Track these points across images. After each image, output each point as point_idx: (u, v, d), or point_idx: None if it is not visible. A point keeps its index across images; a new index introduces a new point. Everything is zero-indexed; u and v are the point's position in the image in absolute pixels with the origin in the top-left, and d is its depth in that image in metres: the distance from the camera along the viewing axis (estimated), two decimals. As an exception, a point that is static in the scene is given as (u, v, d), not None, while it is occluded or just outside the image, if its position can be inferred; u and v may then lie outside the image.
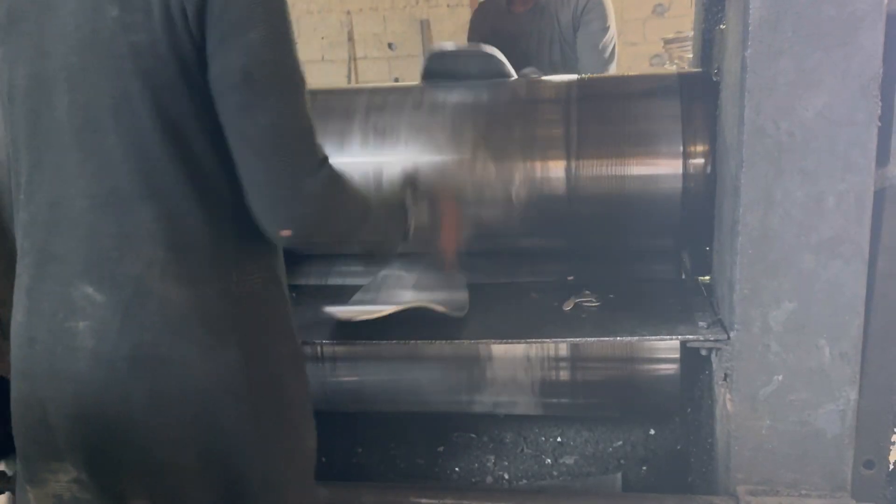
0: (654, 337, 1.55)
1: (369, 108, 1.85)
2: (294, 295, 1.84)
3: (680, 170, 1.70)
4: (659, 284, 1.84)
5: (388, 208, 1.33)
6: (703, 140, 1.68)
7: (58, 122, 1.04)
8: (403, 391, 1.89)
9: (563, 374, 1.87)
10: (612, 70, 2.88)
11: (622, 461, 2.03)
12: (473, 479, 2.05)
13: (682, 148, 1.69)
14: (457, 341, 1.61)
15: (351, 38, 6.60)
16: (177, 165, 1.02)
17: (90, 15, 1.00)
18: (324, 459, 2.10)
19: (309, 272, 1.97)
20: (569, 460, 2.06)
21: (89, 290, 1.03)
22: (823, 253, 1.35)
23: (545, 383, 1.87)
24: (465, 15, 6.36)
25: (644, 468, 2.01)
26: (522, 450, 2.09)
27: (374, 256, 1.55)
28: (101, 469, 1.07)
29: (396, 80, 6.44)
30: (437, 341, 1.62)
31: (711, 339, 1.48)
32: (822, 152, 1.32)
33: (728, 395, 1.47)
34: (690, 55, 2.95)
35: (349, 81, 6.59)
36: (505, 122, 1.81)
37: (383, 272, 1.82)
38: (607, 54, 2.84)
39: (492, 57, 1.93)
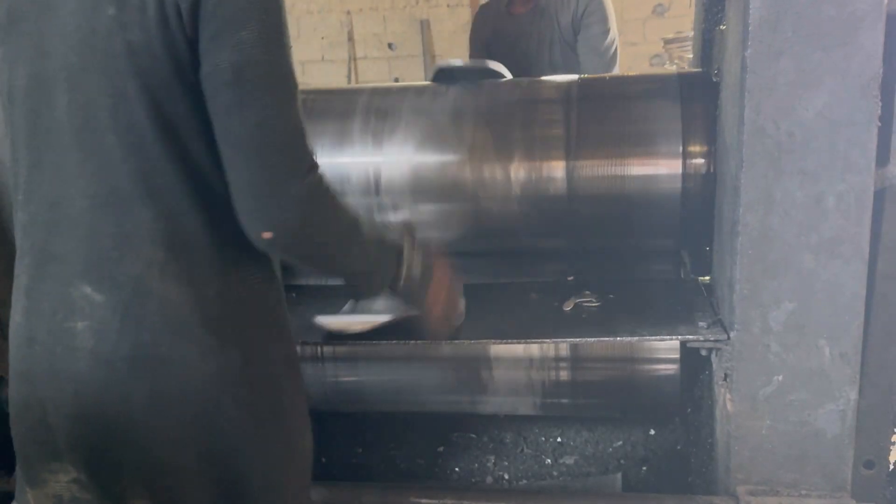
0: (654, 337, 1.56)
1: (369, 109, 1.85)
2: (294, 295, 1.85)
3: (680, 170, 1.70)
4: (659, 284, 1.84)
5: (380, 244, 1.26)
6: (702, 140, 1.68)
7: (57, 121, 1.04)
8: (403, 391, 1.89)
9: (564, 375, 1.87)
10: (615, 72, 2.87)
11: (622, 461, 2.03)
12: (473, 480, 2.05)
13: (681, 148, 1.69)
14: (457, 341, 1.61)
15: (351, 38, 6.60)
16: (174, 165, 1.02)
17: (89, 14, 1.00)
18: (324, 459, 2.10)
19: (309, 272, 1.97)
20: (569, 460, 2.06)
21: (88, 290, 1.03)
22: (823, 253, 1.35)
23: (545, 383, 1.87)
24: (465, 15, 6.37)
25: (644, 468, 2.01)
26: (522, 450, 2.09)
27: (359, 294, 1.42)
28: (101, 469, 1.06)
29: (396, 80, 6.44)
30: (437, 341, 1.62)
31: (711, 339, 1.48)
32: (822, 152, 1.32)
33: (728, 396, 1.47)
34: (690, 55, 2.95)
35: (349, 81, 6.59)
36: (505, 122, 1.81)
37: None
38: (608, 57, 2.84)
39: (495, 73, 1.92)
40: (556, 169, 1.75)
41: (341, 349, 1.83)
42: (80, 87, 1.02)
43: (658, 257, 1.94)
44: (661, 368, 1.83)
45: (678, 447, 2.00)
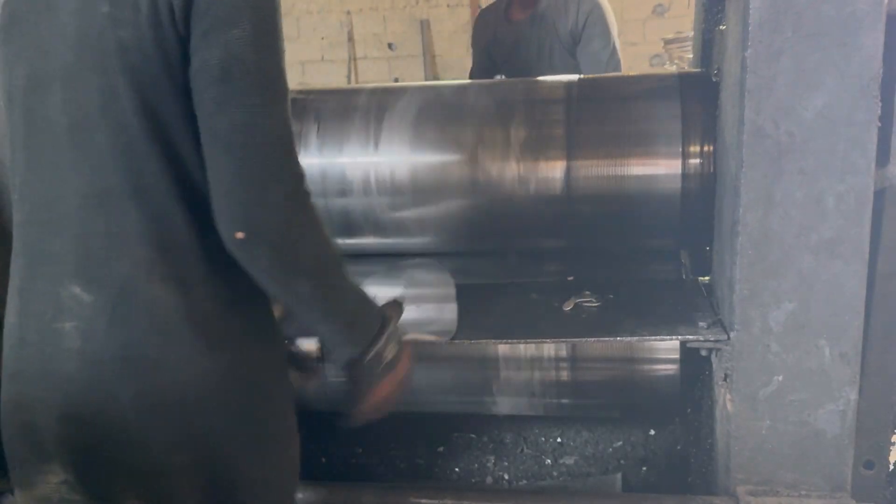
0: (654, 337, 1.56)
1: (368, 108, 1.85)
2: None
3: (680, 170, 1.70)
4: (659, 284, 1.84)
5: (363, 300, 1.18)
6: (702, 140, 1.68)
7: (52, 120, 1.04)
8: (403, 391, 1.89)
9: (564, 375, 1.87)
10: None
11: (622, 461, 2.03)
12: (473, 480, 2.05)
13: (681, 148, 1.69)
14: (457, 341, 1.61)
15: (351, 38, 6.60)
16: (163, 165, 1.01)
17: (85, 12, 1.00)
18: (324, 459, 2.10)
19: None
20: (569, 461, 2.06)
21: (77, 290, 1.03)
22: (823, 253, 1.35)
23: (545, 383, 1.87)
24: (465, 15, 6.37)
25: (644, 468, 2.02)
26: (522, 450, 2.09)
27: (327, 353, 1.26)
28: (89, 471, 1.06)
29: (396, 80, 6.45)
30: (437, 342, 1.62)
31: (711, 339, 1.48)
32: (822, 152, 1.32)
33: (728, 396, 1.47)
34: (690, 55, 2.95)
35: (349, 81, 6.59)
36: (505, 122, 1.80)
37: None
38: (610, 70, 2.81)
39: None
40: (557, 169, 1.75)
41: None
42: (74, 86, 1.02)
43: (658, 257, 1.94)
44: (661, 368, 1.83)
45: (678, 447, 2.01)
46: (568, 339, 1.69)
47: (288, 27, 6.45)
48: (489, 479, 2.05)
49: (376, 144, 1.81)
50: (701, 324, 1.53)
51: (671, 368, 1.82)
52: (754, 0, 1.27)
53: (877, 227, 1.38)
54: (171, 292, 1.03)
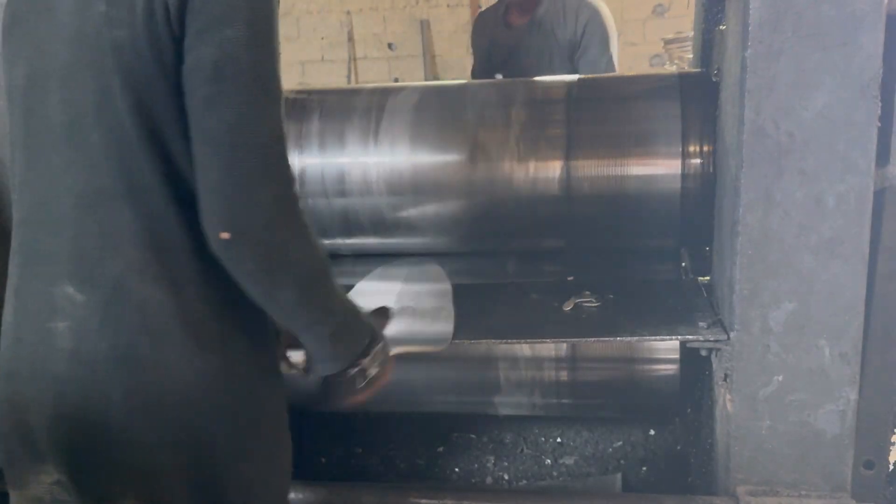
0: (653, 337, 1.55)
1: (368, 108, 1.85)
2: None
3: (679, 170, 1.70)
4: (659, 284, 1.84)
5: (352, 310, 1.16)
6: (702, 140, 1.68)
7: (49, 120, 1.04)
8: (403, 391, 1.89)
9: (563, 375, 1.87)
10: None
11: (622, 461, 2.03)
12: (473, 480, 2.05)
13: (681, 148, 1.69)
14: (457, 341, 1.61)
15: (351, 38, 6.60)
16: (156, 165, 1.01)
17: (83, 12, 1.00)
18: (323, 459, 2.10)
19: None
20: (569, 461, 2.06)
21: (71, 290, 1.02)
22: (823, 253, 1.35)
23: (545, 383, 1.87)
24: (465, 15, 6.37)
25: (644, 468, 2.02)
26: (522, 450, 2.09)
27: (309, 364, 1.22)
28: (81, 471, 1.05)
29: (396, 80, 6.44)
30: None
31: (711, 339, 1.48)
32: (822, 153, 1.32)
33: (728, 396, 1.47)
34: (690, 55, 2.95)
35: (349, 81, 6.59)
36: (505, 122, 1.81)
37: (359, 286, 1.77)
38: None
39: None
40: (557, 168, 1.75)
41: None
42: (70, 85, 1.02)
43: (658, 257, 1.94)
44: (660, 368, 1.83)
45: (678, 447, 2.01)
46: (568, 340, 1.69)
47: (288, 27, 6.45)
48: (489, 480, 2.05)
49: (376, 144, 1.81)
50: (701, 324, 1.53)
51: (671, 368, 1.82)
52: (754, 0, 1.28)
53: (877, 227, 1.38)
54: (163, 292, 1.02)
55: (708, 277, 1.78)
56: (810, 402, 1.42)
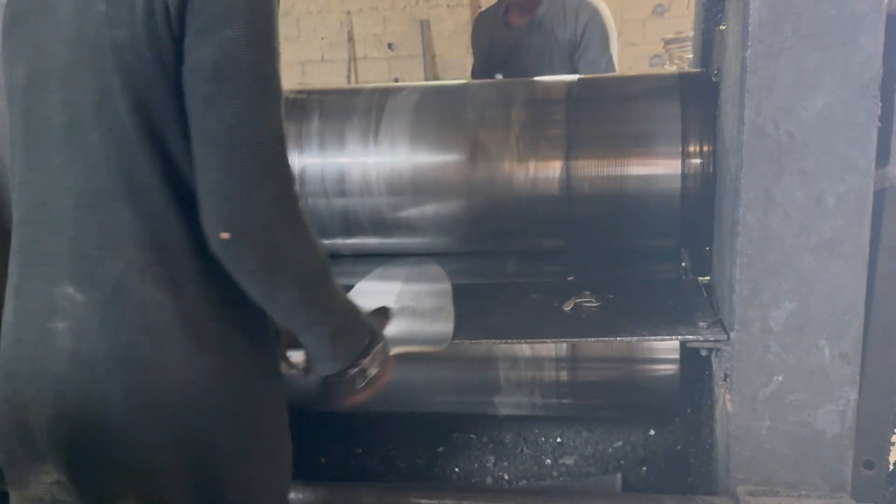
0: (653, 337, 1.55)
1: (368, 108, 1.85)
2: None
3: (679, 170, 1.70)
4: (659, 284, 1.84)
5: (352, 309, 1.16)
6: (702, 140, 1.68)
7: (49, 120, 1.04)
8: (403, 391, 1.89)
9: (563, 375, 1.87)
10: None
11: (622, 461, 2.03)
12: (473, 480, 2.05)
13: (681, 148, 1.69)
14: (457, 341, 1.61)
15: (351, 38, 6.60)
16: (155, 165, 1.01)
17: (83, 12, 1.00)
18: (323, 459, 2.10)
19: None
20: (569, 461, 2.06)
21: (71, 290, 1.02)
22: (823, 253, 1.35)
23: (545, 383, 1.87)
24: (465, 15, 6.37)
25: (644, 468, 2.02)
26: (522, 450, 2.09)
27: (308, 364, 1.19)
28: (81, 471, 1.05)
29: (396, 80, 6.44)
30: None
31: (711, 339, 1.48)
32: (822, 153, 1.32)
33: (728, 396, 1.47)
34: (690, 55, 2.95)
35: (349, 81, 6.59)
36: (505, 122, 1.81)
37: (359, 286, 1.77)
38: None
39: None
40: (557, 168, 1.75)
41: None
42: (71, 85, 1.02)
43: (658, 257, 1.94)
44: (660, 368, 1.83)
45: (678, 447, 2.01)
46: (568, 340, 1.68)
47: (288, 27, 6.45)
48: (489, 480, 2.05)
49: (376, 144, 1.82)
50: (701, 324, 1.53)
51: (671, 368, 1.82)
52: (754, 0, 1.28)
53: (877, 227, 1.38)
54: (163, 292, 1.02)
55: (708, 277, 1.78)
56: (810, 402, 1.42)
